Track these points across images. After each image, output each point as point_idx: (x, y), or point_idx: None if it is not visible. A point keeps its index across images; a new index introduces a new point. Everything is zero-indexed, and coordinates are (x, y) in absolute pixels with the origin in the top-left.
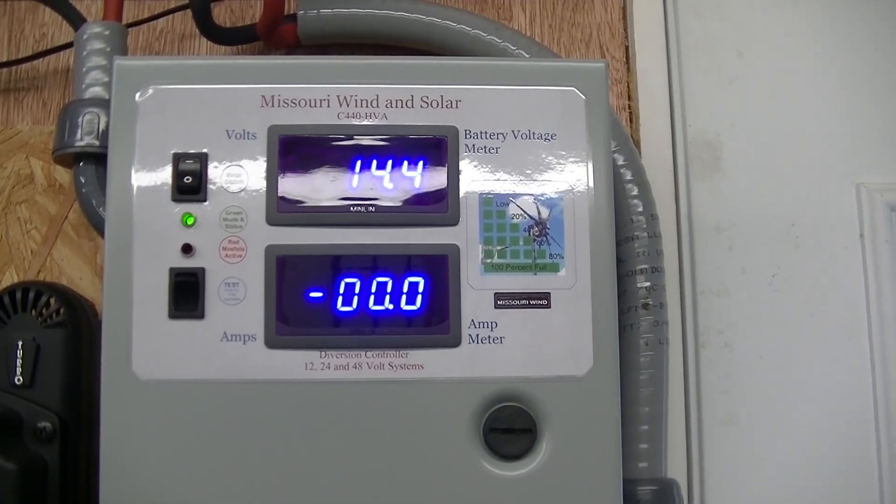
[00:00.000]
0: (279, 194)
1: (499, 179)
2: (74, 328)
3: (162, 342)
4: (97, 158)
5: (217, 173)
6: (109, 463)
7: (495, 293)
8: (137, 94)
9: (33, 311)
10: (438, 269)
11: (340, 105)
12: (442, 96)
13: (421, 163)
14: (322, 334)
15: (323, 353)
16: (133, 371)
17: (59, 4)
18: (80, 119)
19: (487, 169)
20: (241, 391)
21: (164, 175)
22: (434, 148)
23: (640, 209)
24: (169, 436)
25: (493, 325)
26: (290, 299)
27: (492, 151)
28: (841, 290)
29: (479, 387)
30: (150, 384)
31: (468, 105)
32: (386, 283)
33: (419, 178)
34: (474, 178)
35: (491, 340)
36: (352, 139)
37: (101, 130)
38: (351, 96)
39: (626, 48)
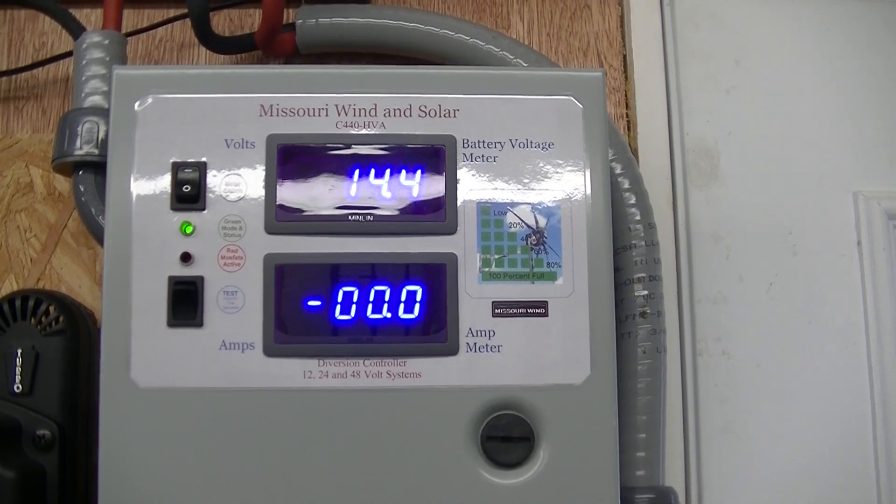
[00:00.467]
0: (278, 203)
1: (496, 188)
2: (73, 336)
3: (161, 350)
4: (96, 167)
5: (216, 182)
6: (108, 470)
7: (493, 302)
8: (136, 103)
9: (32, 319)
10: (436, 277)
11: (339, 114)
12: (440, 105)
13: (419, 172)
14: (320, 343)
15: (321, 361)
16: (132, 379)
17: (59, 13)
18: (79, 128)
19: (485, 178)
20: (239, 399)
21: (163, 184)
22: (432, 157)
23: (638, 217)
24: (168, 444)
25: (491, 333)
26: (288, 308)
27: (490, 160)
28: (838, 298)
29: (476, 395)
30: (149, 392)
31: (466, 114)
32: (384, 291)
33: (417, 187)
34: (472, 187)
35: (489, 349)
36: (350, 148)
37: (100, 139)
38: (349, 105)
39: (624, 57)
